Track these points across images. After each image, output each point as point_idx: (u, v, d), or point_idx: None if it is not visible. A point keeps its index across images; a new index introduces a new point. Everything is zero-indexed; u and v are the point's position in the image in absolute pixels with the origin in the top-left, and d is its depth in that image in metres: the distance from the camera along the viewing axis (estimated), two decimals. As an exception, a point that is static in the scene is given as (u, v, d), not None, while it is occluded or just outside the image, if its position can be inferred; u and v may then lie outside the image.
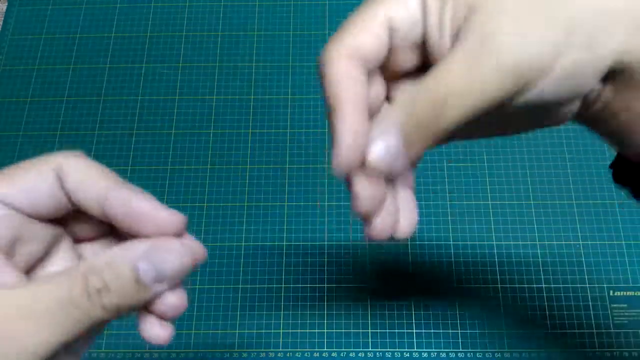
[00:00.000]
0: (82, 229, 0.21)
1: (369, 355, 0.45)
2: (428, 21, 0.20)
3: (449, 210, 0.50)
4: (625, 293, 0.46)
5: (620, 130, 0.20)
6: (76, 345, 0.19)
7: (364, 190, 0.19)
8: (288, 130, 0.53)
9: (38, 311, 0.16)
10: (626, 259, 0.47)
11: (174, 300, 0.19)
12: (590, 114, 0.20)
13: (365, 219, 0.20)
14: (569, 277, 0.47)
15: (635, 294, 0.46)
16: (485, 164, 0.51)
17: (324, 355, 0.45)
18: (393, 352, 0.45)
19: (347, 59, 0.19)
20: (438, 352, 0.45)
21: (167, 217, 0.19)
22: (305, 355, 0.45)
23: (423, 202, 0.50)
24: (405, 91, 0.21)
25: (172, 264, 0.18)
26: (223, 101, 0.55)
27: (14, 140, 0.54)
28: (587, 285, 0.47)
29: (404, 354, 0.45)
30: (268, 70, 0.56)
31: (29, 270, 0.20)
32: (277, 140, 0.53)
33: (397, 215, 0.21)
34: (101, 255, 0.18)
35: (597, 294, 0.46)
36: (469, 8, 0.18)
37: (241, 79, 0.56)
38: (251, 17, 0.59)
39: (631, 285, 0.47)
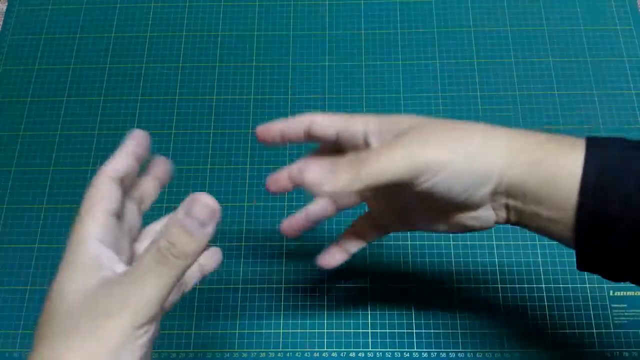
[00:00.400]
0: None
1: (369, 355, 0.45)
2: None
3: (449, 210, 0.50)
4: (625, 293, 0.46)
5: (542, 230, 0.28)
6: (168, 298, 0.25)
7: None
8: (288, 130, 0.53)
9: (141, 276, 0.23)
10: (626, 259, 0.47)
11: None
12: (515, 222, 0.29)
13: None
14: (569, 277, 0.47)
15: (635, 294, 0.46)
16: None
17: (324, 355, 0.45)
18: (393, 352, 0.45)
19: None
20: (438, 352, 0.45)
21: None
22: (305, 355, 0.45)
23: (423, 202, 0.50)
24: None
25: (204, 212, 0.24)
26: (223, 101, 0.55)
27: (14, 140, 0.54)
28: (587, 285, 0.47)
29: (404, 354, 0.45)
30: (268, 70, 0.56)
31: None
32: (277, 140, 0.53)
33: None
34: (163, 226, 0.24)
35: (597, 294, 0.46)
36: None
37: (241, 79, 0.56)
38: (251, 17, 0.59)
39: (631, 285, 0.46)
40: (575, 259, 0.28)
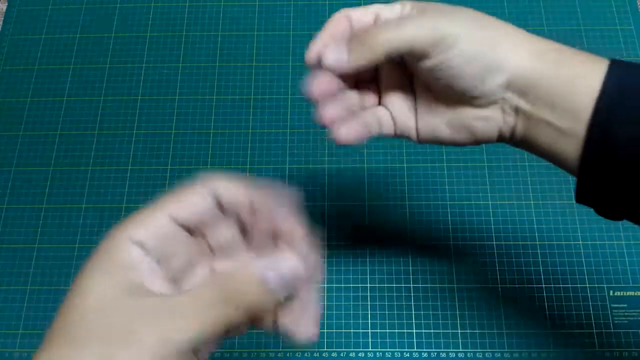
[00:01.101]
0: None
1: (369, 355, 0.45)
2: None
3: (449, 210, 0.50)
4: (625, 293, 0.46)
5: (546, 148, 0.27)
6: (209, 344, 0.22)
7: (319, 81, 0.30)
8: (288, 130, 0.53)
9: (184, 311, 0.20)
10: (626, 259, 0.47)
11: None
12: (521, 135, 0.27)
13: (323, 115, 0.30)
14: (569, 277, 0.47)
15: (635, 294, 0.46)
16: (486, 164, 0.51)
17: (324, 355, 0.45)
18: (393, 352, 0.45)
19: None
20: (438, 352, 0.45)
21: (298, 233, 0.24)
22: (306, 355, 0.45)
23: (423, 203, 0.50)
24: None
25: (290, 272, 0.22)
26: (223, 101, 0.55)
27: (14, 140, 0.54)
28: (587, 285, 0.47)
29: (404, 354, 0.45)
30: (268, 70, 0.56)
31: (176, 281, 0.24)
32: (277, 140, 0.53)
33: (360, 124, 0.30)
34: (236, 266, 0.22)
35: (597, 294, 0.46)
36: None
37: (241, 79, 0.56)
38: (251, 17, 0.59)
39: (631, 285, 0.47)
40: (574, 194, 0.28)
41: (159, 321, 0.20)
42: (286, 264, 0.22)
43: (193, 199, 0.23)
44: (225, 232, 0.25)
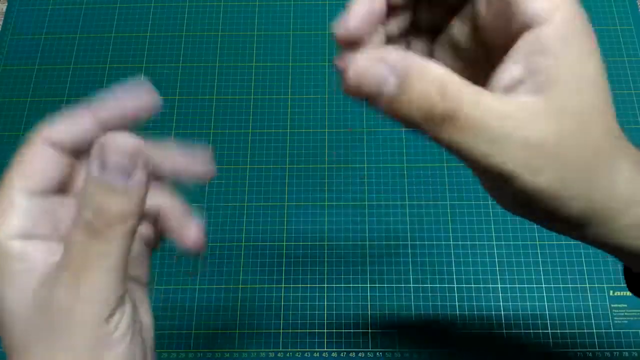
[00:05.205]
0: None
1: (369, 355, 0.45)
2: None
3: (448, 210, 0.50)
4: (625, 293, 0.46)
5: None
6: (131, 272, 0.21)
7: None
8: (288, 130, 0.53)
9: (81, 265, 0.18)
10: (626, 259, 0.47)
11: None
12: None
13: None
14: (569, 277, 0.47)
15: (635, 294, 0.46)
16: (485, 164, 0.51)
17: (324, 355, 0.45)
18: (393, 352, 0.45)
19: None
20: (438, 352, 0.45)
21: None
22: (305, 355, 0.45)
23: (423, 202, 0.50)
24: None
25: (123, 156, 0.18)
26: (223, 101, 0.55)
27: (14, 140, 0.54)
28: (587, 286, 0.47)
29: (404, 354, 0.45)
30: (268, 70, 0.56)
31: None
32: (277, 140, 0.53)
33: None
34: (81, 190, 0.19)
35: (597, 294, 0.46)
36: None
37: (241, 79, 0.56)
38: (251, 17, 0.59)
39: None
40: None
41: (76, 298, 0.18)
42: (113, 149, 0.18)
43: (40, 163, 0.21)
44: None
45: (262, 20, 0.59)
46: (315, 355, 0.45)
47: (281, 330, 0.46)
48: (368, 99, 0.19)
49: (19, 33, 0.59)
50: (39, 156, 0.21)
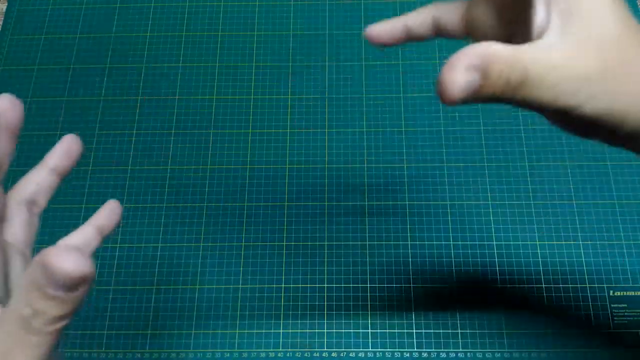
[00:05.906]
0: None
1: (369, 355, 0.45)
2: None
3: (449, 210, 0.50)
4: (625, 293, 0.46)
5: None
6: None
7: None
8: (288, 130, 0.53)
9: (8, 350, 0.19)
10: (626, 259, 0.47)
11: None
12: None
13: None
14: (569, 277, 0.47)
15: (635, 293, 0.46)
16: (486, 164, 0.51)
17: (324, 355, 0.45)
18: (393, 352, 0.45)
19: None
20: (438, 352, 0.45)
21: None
22: (305, 355, 0.45)
23: (423, 203, 0.50)
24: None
25: (68, 280, 0.18)
26: (223, 101, 0.55)
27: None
28: (587, 285, 0.47)
29: (404, 354, 0.45)
30: (268, 70, 0.56)
31: None
32: (277, 140, 0.53)
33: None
34: (23, 286, 0.19)
35: (597, 294, 0.46)
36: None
37: (241, 79, 0.56)
38: (251, 17, 0.59)
39: (631, 285, 0.47)
40: None
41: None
42: (59, 270, 0.18)
43: None
44: None
45: (262, 20, 0.59)
46: (315, 355, 0.45)
47: (281, 330, 0.46)
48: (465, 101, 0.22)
49: (19, 33, 0.59)
50: None
